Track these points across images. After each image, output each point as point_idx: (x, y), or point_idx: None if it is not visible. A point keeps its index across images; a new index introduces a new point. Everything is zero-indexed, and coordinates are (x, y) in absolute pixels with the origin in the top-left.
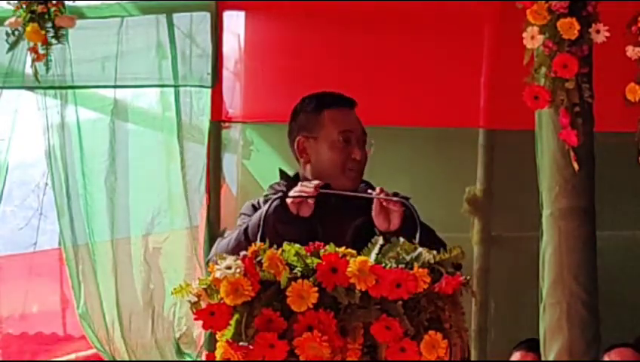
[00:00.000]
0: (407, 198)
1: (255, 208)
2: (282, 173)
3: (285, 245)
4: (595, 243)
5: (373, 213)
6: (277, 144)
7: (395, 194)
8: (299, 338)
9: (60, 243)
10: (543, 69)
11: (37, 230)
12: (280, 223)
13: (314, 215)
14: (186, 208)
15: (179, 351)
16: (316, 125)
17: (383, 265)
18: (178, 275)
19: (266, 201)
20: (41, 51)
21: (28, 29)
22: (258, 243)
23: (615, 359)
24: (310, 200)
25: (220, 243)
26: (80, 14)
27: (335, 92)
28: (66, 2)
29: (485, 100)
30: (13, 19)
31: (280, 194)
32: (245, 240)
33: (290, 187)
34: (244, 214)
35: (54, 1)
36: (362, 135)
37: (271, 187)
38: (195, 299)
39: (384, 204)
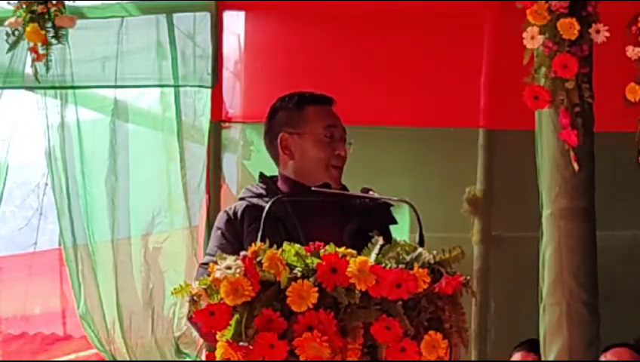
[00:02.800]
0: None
1: (229, 218)
2: (260, 175)
3: (285, 245)
4: (595, 243)
5: None
6: None
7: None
8: (299, 339)
9: (60, 244)
10: (543, 69)
11: (37, 230)
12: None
13: (299, 224)
14: (186, 208)
15: (178, 351)
16: (300, 121)
17: (383, 265)
18: (178, 275)
19: (243, 210)
20: (41, 51)
21: (28, 29)
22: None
23: (612, 359)
24: None
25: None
26: (80, 14)
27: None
28: (66, 2)
29: (485, 100)
30: (13, 20)
31: (276, 197)
32: None
33: (269, 190)
34: (219, 228)
35: (54, 1)
36: (343, 132)
37: (247, 189)
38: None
39: None
